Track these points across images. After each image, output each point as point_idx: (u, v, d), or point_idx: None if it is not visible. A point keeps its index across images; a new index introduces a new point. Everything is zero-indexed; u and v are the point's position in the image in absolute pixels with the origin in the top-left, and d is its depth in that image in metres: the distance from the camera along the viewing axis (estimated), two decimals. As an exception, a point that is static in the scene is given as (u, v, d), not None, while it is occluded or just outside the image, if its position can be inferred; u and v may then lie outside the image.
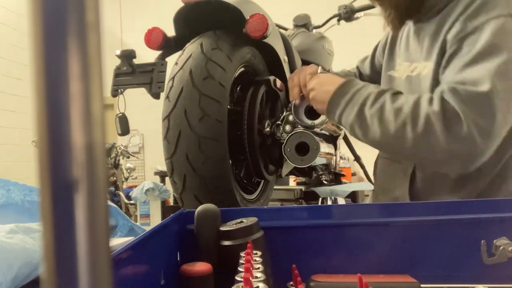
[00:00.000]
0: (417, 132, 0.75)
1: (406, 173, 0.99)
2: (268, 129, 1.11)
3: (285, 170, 1.19)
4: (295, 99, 1.05)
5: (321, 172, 1.77)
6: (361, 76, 1.32)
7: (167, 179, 1.00)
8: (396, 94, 0.83)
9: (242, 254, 0.54)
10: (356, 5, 1.72)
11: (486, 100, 0.72)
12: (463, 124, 0.72)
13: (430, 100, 0.76)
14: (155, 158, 5.65)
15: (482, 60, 0.75)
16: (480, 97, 0.72)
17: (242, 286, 0.41)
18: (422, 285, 0.56)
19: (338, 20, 1.78)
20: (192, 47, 0.90)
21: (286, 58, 1.17)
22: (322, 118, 1.06)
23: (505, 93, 0.72)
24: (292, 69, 1.23)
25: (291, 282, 0.57)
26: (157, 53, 1.02)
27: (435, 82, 0.86)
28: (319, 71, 1.03)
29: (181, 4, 0.95)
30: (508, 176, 0.86)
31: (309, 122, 1.06)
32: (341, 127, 1.48)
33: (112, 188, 3.78)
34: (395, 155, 0.90)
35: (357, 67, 1.37)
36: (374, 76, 1.25)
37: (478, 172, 0.81)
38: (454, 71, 0.79)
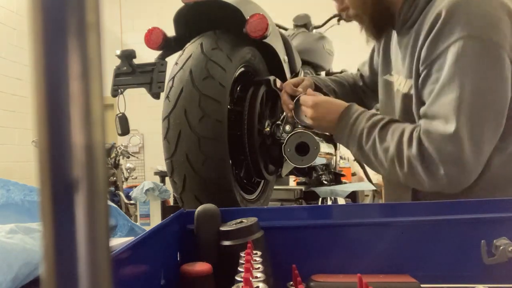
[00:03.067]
0: (404, 171, 0.84)
1: None
2: (268, 129, 1.11)
3: (285, 170, 1.19)
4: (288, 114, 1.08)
5: (321, 172, 1.77)
6: (362, 78, 1.33)
7: (167, 179, 1.00)
8: (383, 128, 0.88)
9: (242, 254, 0.54)
10: (356, 5, 1.71)
11: (454, 140, 0.77)
12: (438, 165, 0.79)
13: (410, 141, 0.83)
14: (155, 158, 5.64)
15: (447, 92, 0.79)
16: (449, 138, 0.78)
17: (242, 286, 0.41)
18: (422, 285, 0.56)
19: (338, 20, 1.78)
20: (192, 47, 0.90)
21: (286, 58, 1.17)
22: (322, 118, 1.06)
23: (471, 123, 0.77)
24: (292, 69, 1.23)
25: (291, 282, 0.57)
26: (157, 53, 1.02)
27: (418, 101, 0.89)
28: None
29: (181, 4, 0.95)
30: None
31: (309, 122, 1.06)
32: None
33: (112, 188, 3.77)
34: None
35: (358, 70, 1.37)
36: (375, 78, 1.25)
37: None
38: (427, 103, 0.84)
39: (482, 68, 0.78)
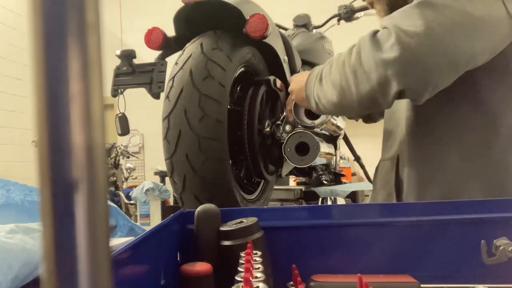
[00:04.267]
0: (351, 64, 0.74)
1: (392, 165, 0.98)
2: (268, 129, 1.11)
3: (285, 170, 1.19)
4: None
5: (321, 172, 1.77)
6: None
7: (167, 179, 1.00)
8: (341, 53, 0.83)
9: (242, 254, 0.54)
10: (356, 5, 1.72)
11: (416, 9, 0.68)
12: (391, 34, 0.69)
13: (364, 36, 0.75)
14: (155, 158, 5.64)
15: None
16: (411, 8, 0.69)
17: (242, 286, 0.41)
18: (422, 285, 0.56)
19: (338, 20, 1.78)
20: (192, 47, 0.90)
21: (286, 58, 1.17)
22: (322, 118, 1.06)
23: (445, 8, 0.68)
24: (292, 69, 1.23)
25: (291, 282, 0.57)
26: (157, 53, 1.02)
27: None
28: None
29: (181, 4, 0.95)
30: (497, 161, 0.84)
31: (309, 122, 1.06)
32: (340, 127, 1.48)
33: (112, 188, 3.78)
34: (349, 109, 0.86)
35: None
36: None
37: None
38: None
39: None
